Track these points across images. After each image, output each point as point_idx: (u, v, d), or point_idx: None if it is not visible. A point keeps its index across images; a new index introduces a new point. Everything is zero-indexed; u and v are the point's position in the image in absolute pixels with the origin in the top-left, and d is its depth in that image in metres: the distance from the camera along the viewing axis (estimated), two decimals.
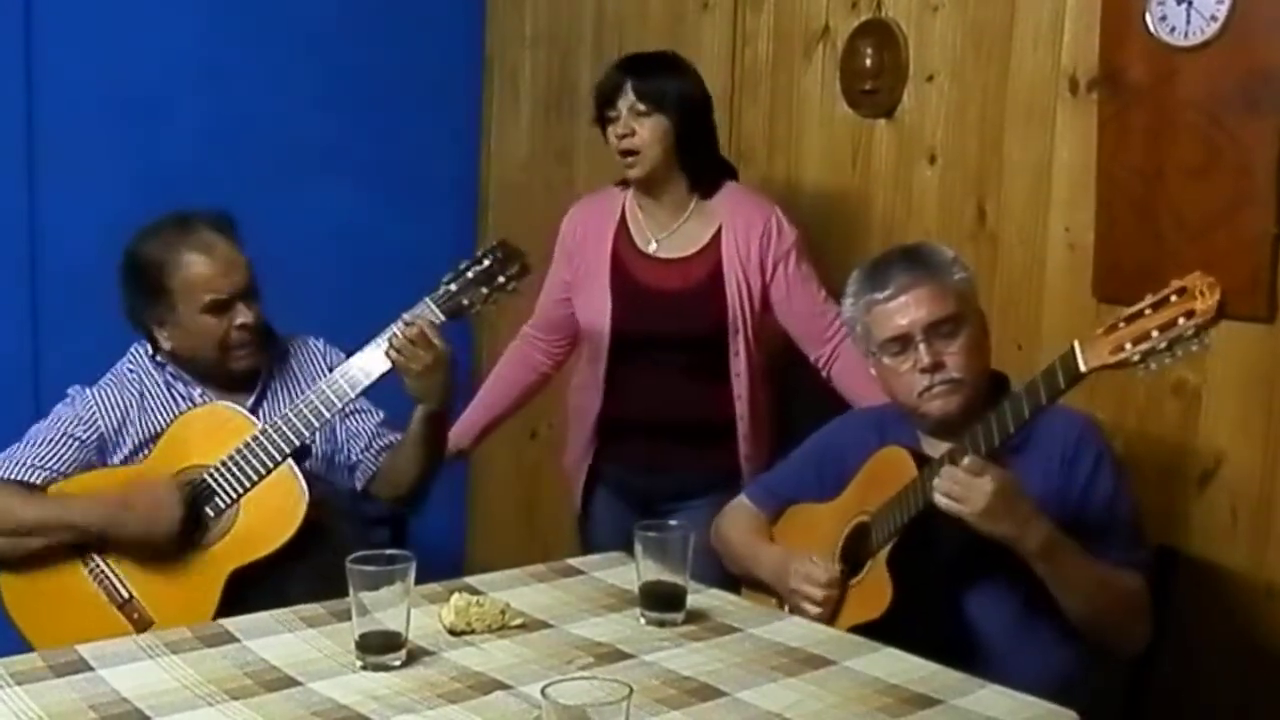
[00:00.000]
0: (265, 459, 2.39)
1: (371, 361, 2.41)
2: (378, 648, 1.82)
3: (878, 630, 2.04)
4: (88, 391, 2.52)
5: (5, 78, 3.35)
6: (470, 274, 2.45)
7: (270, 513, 2.38)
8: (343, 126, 3.79)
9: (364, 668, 1.81)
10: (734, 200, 2.83)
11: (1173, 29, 2.46)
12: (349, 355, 2.49)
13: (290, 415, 2.40)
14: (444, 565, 2.50)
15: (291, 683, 1.77)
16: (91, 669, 1.79)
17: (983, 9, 2.82)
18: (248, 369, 2.52)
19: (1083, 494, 2.16)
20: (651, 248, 2.84)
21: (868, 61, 3.02)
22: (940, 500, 2.02)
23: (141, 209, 3.48)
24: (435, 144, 4.03)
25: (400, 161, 3.91)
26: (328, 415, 2.42)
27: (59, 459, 2.45)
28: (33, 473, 2.43)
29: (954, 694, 1.78)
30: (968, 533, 2.03)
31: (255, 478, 2.39)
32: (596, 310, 2.85)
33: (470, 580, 2.20)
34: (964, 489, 2.00)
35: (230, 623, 1.99)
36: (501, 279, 2.45)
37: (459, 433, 2.98)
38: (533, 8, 3.96)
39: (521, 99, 4.02)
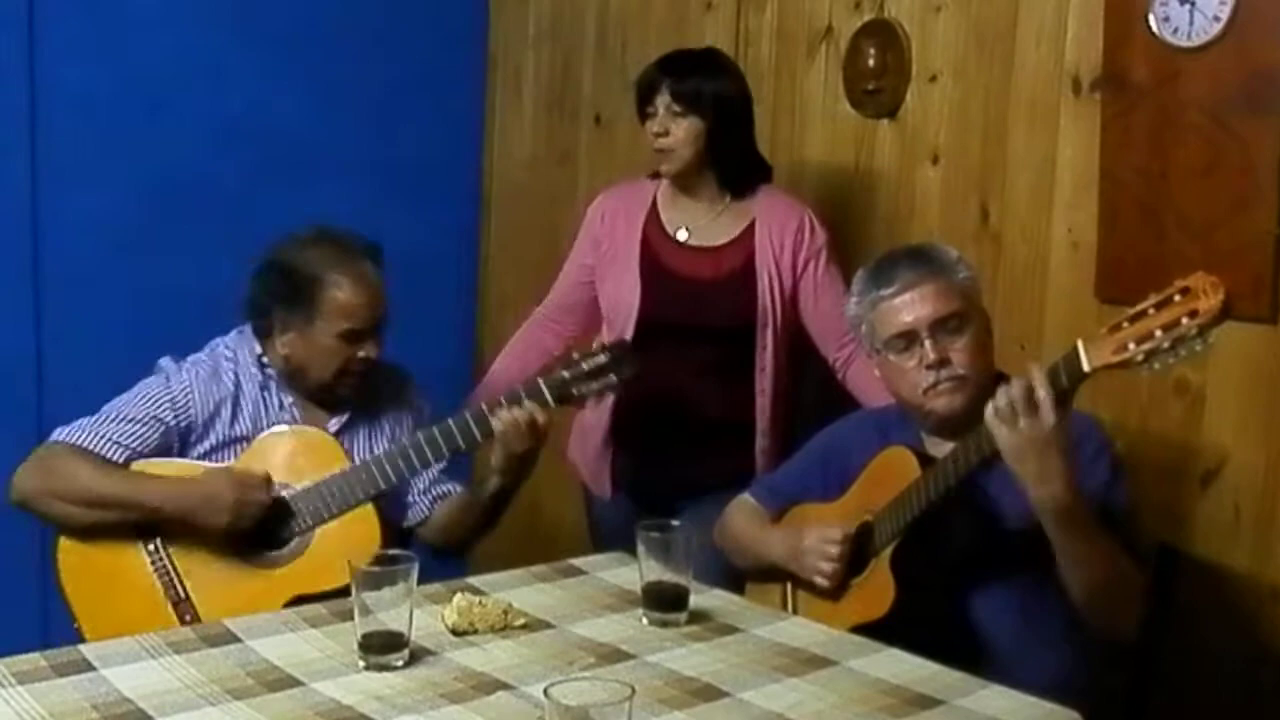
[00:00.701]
0: (349, 495, 2.40)
1: (479, 426, 2.43)
2: (380, 648, 1.82)
3: (880, 630, 2.04)
4: (184, 374, 2.49)
5: (9, 77, 3.36)
6: (585, 366, 2.48)
7: (345, 549, 2.33)
8: (345, 126, 3.80)
9: (366, 668, 1.81)
10: (768, 199, 2.84)
11: (1175, 29, 2.46)
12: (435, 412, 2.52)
13: (384, 460, 2.42)
14: (446, 565, 2.51)
15: (294, 683, 1.77)
16: (94, 668, 1.79)
17: (985, 9, 2.82)
18: (350, 396, 2.54)
19: (1078, 487, 2.15)
20: (682, 235, 2.84)
21: (870, 61, 3.01)
22: (988, 412, 1.98)
23: (144, 208, 3.51)
24: (438, 143, 4.03)
25: (403, 161, 3.91)
26: (419, 468, 2.45)
27: (143, 440, 2.42)
28: (116, 450, 2.40)
29: (956, 694, 1.78)
30: (971, 533, 2.03)
31: (336, 510, 2.40)
32: (624, 295, 2.83)
33: (473, 580, 2.20)
34: (1013, 414, 1.95)
35: (233, 622, 1.99)
36: (613, 377, 2.50)
37: None
38: (536, 7, 3.96)
39: (524, 98, 4.02)
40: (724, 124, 2.76)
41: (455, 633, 1.95)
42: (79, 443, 2.40)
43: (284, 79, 3.69)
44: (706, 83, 2.76)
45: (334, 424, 2.53)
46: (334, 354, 2.46)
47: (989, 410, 1.98)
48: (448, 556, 2.61)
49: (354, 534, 2.39)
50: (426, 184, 3.99)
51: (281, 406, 2.51)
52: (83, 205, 3.43)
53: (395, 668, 1.81)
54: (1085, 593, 2.07)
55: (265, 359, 2.52)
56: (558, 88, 3.91)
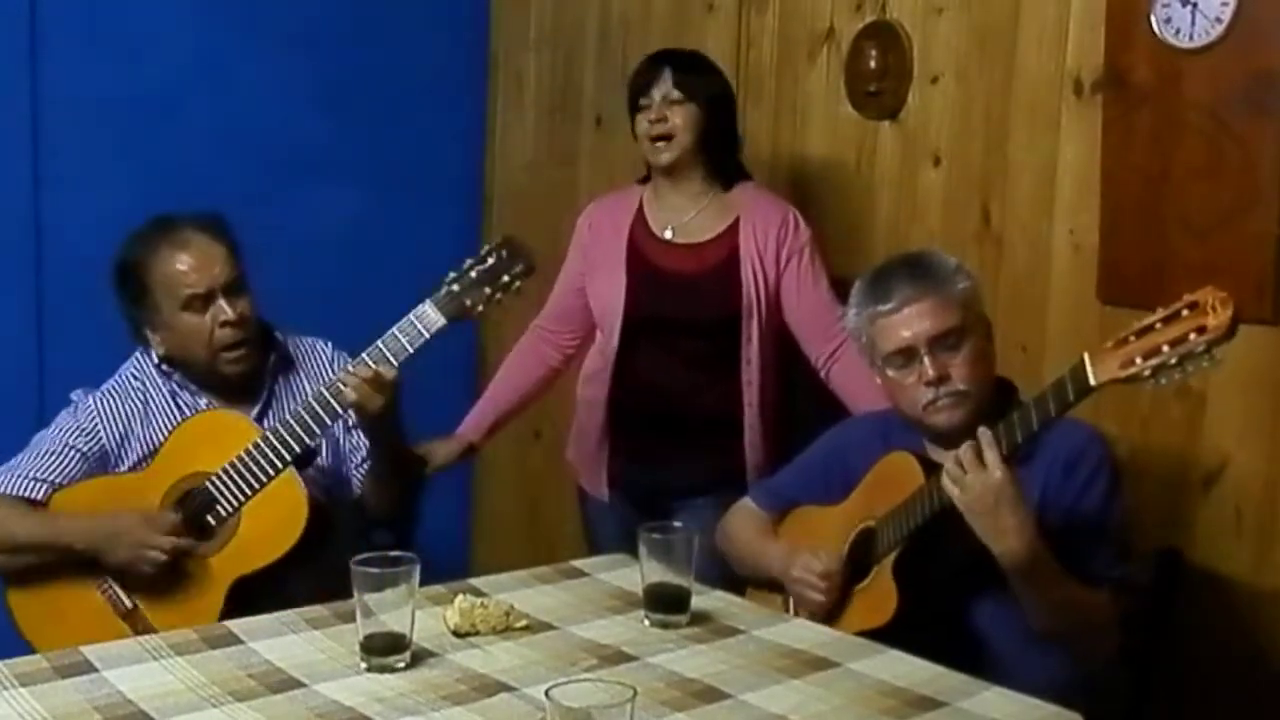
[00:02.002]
0: (266, 466, 2.34)
1: (332, 394, 2.35)
2: (382, 649, 1.82)
3: (883, 636, 2.03)
4: (90, 400, 2.49)
5: (10, 79, 3.36)
6: (474, 273, 2.34)
7: (271, 522, 2.35)
8: (347, 128, 3.80)
9: (368, 669, 1.82)
10: (752, 195, 2.90)
11: (1177, 31, 2.46)
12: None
13: (291, 421, 2.35)
14: (448, 567, 2.50)
15: (295, 684, 1.77)
16: (96, 670, 1.79)
17: (987, 11, 2.82)
18: (242, 372, 2.47)
19: (1074, 502, 2.15)
20: (667, 234, 2.88)
21: (872, 63, 3.01)
22: (944, 477, 2.03)
23: (146, 210, 3.48)
24: (439, 146, 4.03)
25: (404, 163, 3.92)
26: (329, 422, 2.36)
27: (60, 471, 2.42)
28: (34, 485, 2.40)
29: (958, 696, 1.78)
30: (974, 540, 2.03)
31: (257, 485, 2.35)
32: (611, 293, 2.87)
33: (474, 582, 2.20)
34: (963, 473, 2.00)
35: (234, 624, 1.99)
36: (506, 278, 2.34)
37: (470, 427, 3.01)
38: (537, 10, 3.96)
39: (526, 101, 4.02)
40: (716, 114, 2.84)
41: (457, 634, 1.95)
42: None
43: (286, 81, 3.69)
44: (703, 75, 2.86)
45: (255, 410, 2.49)
46: (194, 330, 2.42)
47: (944, 475, 2.02)
48: (385, 527, 2.55)
49: (279, 502, 2.35)
50: (428, 187, 3.99)
51: (198, 410, 2.48)
52: (85, 207, 3.42)
53: (397, 669, 1.81)
54: (1046, 634, 2.09)
55: (164, 367, 2.49)
56: (559, 90, 3.91)
